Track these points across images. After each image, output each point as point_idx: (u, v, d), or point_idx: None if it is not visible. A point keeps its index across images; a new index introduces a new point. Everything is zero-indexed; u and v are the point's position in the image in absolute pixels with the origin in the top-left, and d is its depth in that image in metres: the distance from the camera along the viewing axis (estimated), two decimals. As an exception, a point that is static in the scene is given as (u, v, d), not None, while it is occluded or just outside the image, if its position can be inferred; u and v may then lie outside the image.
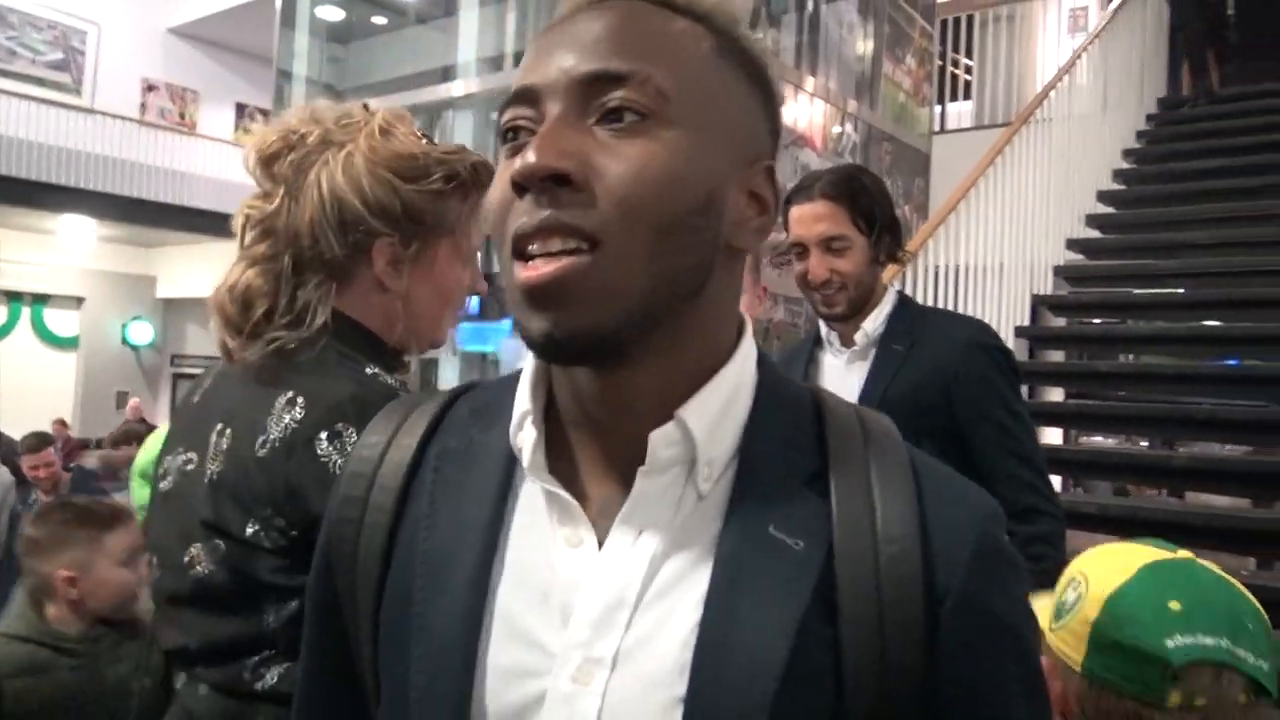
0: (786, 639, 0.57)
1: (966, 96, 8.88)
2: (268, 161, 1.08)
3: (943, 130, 8.15)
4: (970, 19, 8.73)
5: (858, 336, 1.84)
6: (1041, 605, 0.92)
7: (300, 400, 1.00)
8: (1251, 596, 0.90)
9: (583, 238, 0.57)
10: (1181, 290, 5.30)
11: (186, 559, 1.01)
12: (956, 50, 8.75)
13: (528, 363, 0.67)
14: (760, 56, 0.66)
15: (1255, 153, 6.12)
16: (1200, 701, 0.83)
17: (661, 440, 0.61)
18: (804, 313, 4.72)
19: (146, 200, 11.88)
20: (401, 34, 7.68)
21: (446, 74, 6.25)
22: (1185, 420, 4.31)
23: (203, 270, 12.75)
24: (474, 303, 5.74)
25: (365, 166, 1.06)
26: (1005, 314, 4.79)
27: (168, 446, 1.12)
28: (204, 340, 14.06)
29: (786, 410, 0.66)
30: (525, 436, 0.64)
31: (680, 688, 0.58)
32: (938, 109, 7.81)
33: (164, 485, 1.09)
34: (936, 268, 4.42)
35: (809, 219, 1.81)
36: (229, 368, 1.08)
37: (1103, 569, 0.90)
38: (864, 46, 6.01)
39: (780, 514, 0.61)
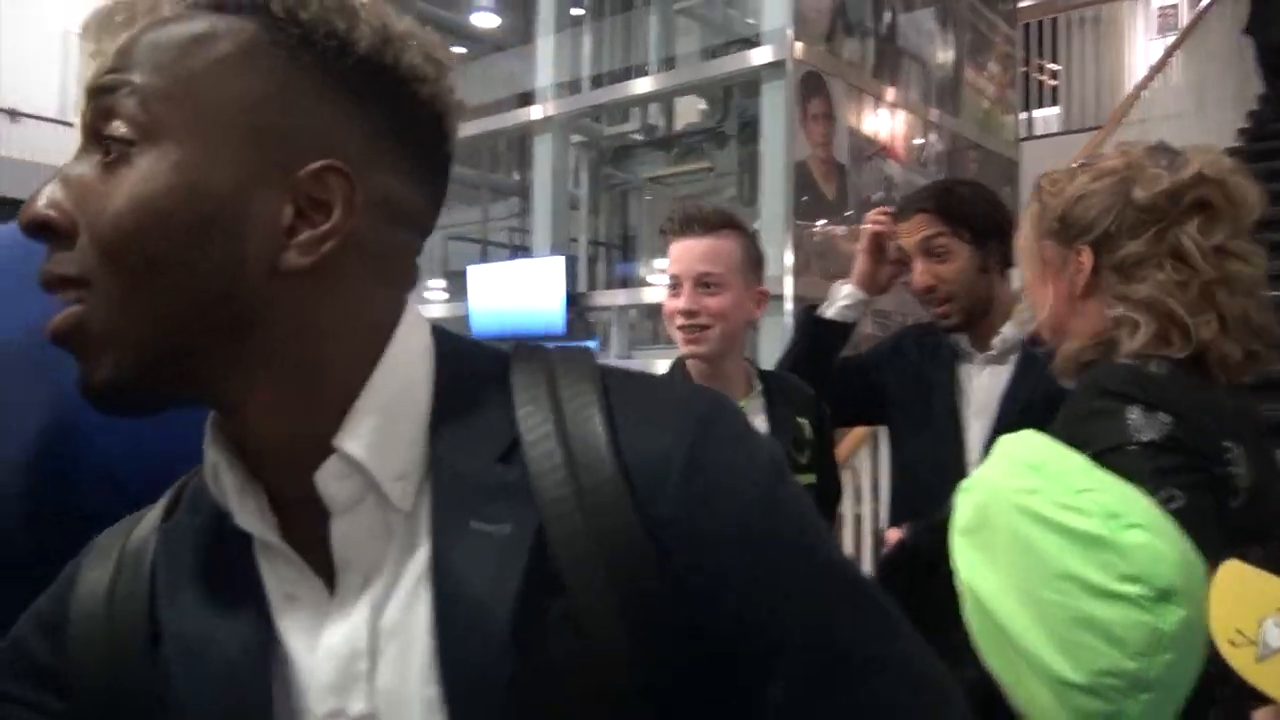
0: (508, 623, 0.53)
1: (1053, 101, 8.67)
2: None
3: (1030, 136, 7.96)
4: (1054, 22, 8.53)
5: (995, 341, 1.78)
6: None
7: None
8: None
9: (73, 285, 0.53)
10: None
11: None
12: (1041, 55, 8.56)
13: None
14: (357, 40, 0.57)
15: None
16: None
17: (330, 476, 0.56)
18: (891, 327, 4.64)
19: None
20: (482, 62, 7.82)
21: (525, 99, 6.34)
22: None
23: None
24: (560, 321, 5.73)
25: None
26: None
27: None
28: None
29: (473, 394, 0.60)
30: (224, 486, 0.58)
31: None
32: (1023, 115, 7.63)
33: None
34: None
35: (909, 231, 1.82)
36: None
37: None
38: (944, 54, 5.90)
39: (480, 504, 0.56)
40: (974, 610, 0.97)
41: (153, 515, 0.66)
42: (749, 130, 5.33)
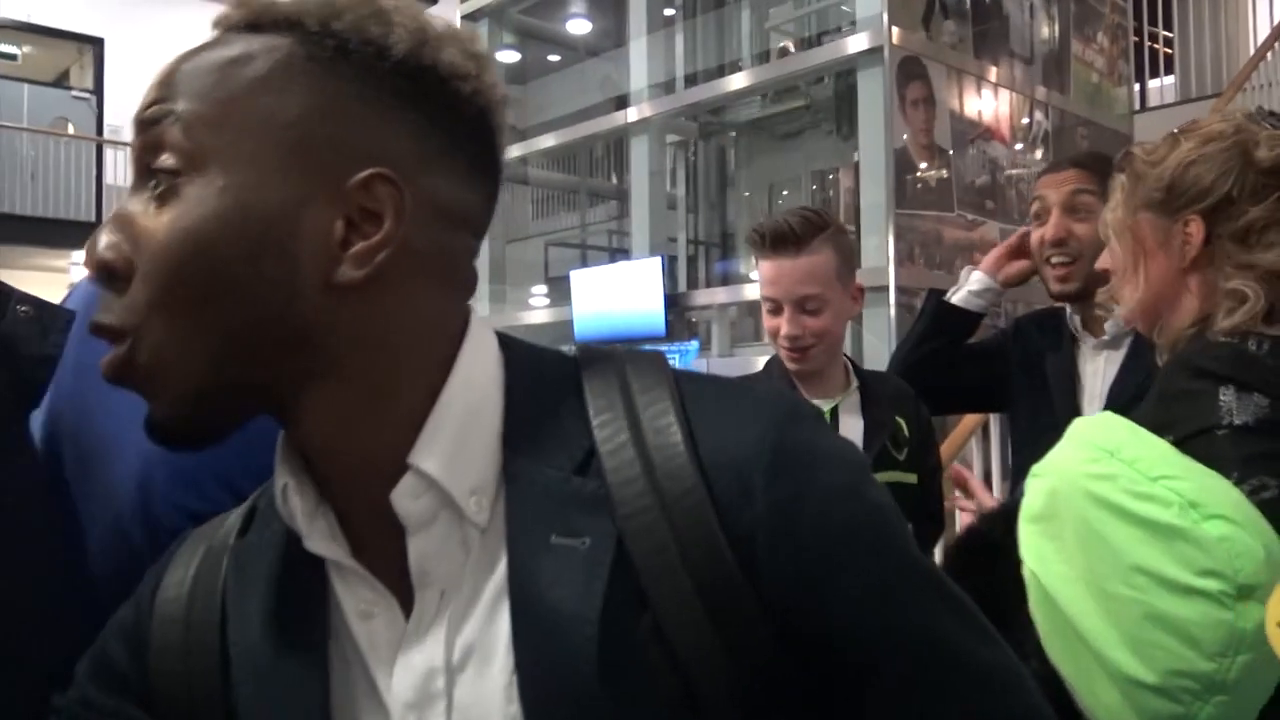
0: (593, 639, 0.52)
1: (1168, 70, 8.29)
2: None
3: (1143, 108, 7.63)
4: (1167, -13, 8.17)
5: (1107, 325, 1.73)
6: None
7: None
8: None
9: (117, 334, 0.53)
10: None
11: None
12: (1154, 23, 8.19)
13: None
14: (394, 44, 0.55)
15: None
16: None
17: (406, 494, 0.55)
18: (1003, 312, 4.52)
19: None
20: (575, 69, 7.89)
21: (620, 102, 6.37)
22: None
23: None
24: (660, 322, 5.74)
25: None
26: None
27: None
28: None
29: (546, 403, 0.59)
30: (292, 509, 0.58)
31: None
32: (1136, 87, 7.33)
33: None
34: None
35: (1055, 183, 1.78)
36: None
37: None
38: (1049, 29, 5.71)
39: (559, 518, 0.55)
40: (1040, 603, 0.92)
41: (228, 528, 0.67)
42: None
